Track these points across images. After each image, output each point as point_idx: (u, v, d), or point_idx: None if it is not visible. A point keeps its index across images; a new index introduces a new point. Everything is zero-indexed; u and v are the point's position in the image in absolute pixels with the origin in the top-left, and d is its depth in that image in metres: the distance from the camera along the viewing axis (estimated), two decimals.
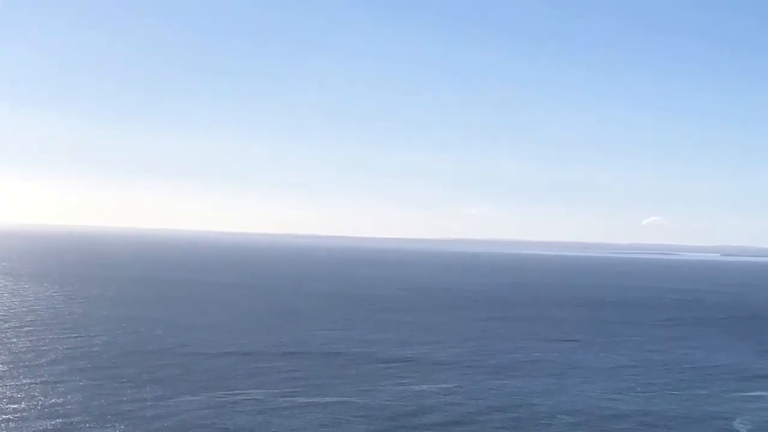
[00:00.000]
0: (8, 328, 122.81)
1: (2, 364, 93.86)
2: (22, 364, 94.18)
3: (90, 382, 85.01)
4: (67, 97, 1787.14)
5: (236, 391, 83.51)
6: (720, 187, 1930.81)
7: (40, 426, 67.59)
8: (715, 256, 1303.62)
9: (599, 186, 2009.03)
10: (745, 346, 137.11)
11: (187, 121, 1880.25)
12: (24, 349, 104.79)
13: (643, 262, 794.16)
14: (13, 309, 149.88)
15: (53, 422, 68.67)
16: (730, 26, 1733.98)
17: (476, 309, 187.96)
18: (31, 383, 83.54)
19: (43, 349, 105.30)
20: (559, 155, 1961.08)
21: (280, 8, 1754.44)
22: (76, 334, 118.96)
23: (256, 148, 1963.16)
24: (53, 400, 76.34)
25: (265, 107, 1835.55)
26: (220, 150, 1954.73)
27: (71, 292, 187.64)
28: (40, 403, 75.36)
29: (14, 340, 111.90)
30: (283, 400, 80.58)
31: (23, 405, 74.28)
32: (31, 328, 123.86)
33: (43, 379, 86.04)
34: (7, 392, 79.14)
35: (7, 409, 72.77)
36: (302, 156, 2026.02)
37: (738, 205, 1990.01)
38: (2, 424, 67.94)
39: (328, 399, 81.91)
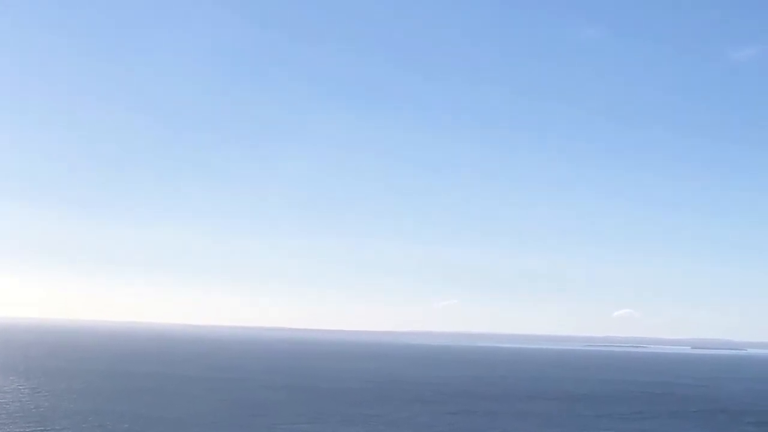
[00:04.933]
0: None
1: None
2: None
3: None
4: (28, 188, 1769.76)
5: None
6: (691, 279, 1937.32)
7: None
8: (686, 349, 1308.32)
9: (570, 278, 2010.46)
10: None
11: (152, 213, 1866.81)
12: None
13: (615, 354, 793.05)
14: None
15: None
16: (699, 116, 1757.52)
17: (444, 402, 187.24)
18: None
19: None
20: (528, 247, 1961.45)
21: (244, 97, 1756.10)
22: (42, 428, 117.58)
23: (221, 238, 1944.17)
24: None
25: (231, 198, 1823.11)
26: (186, 241, 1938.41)
27: (37, 386, 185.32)
28: None
29: None
30: None
31: None
32: None
33: None
34: None
35: None
36: (268, 247, 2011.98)
37: (708, 298, 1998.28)
38: None
39: None
